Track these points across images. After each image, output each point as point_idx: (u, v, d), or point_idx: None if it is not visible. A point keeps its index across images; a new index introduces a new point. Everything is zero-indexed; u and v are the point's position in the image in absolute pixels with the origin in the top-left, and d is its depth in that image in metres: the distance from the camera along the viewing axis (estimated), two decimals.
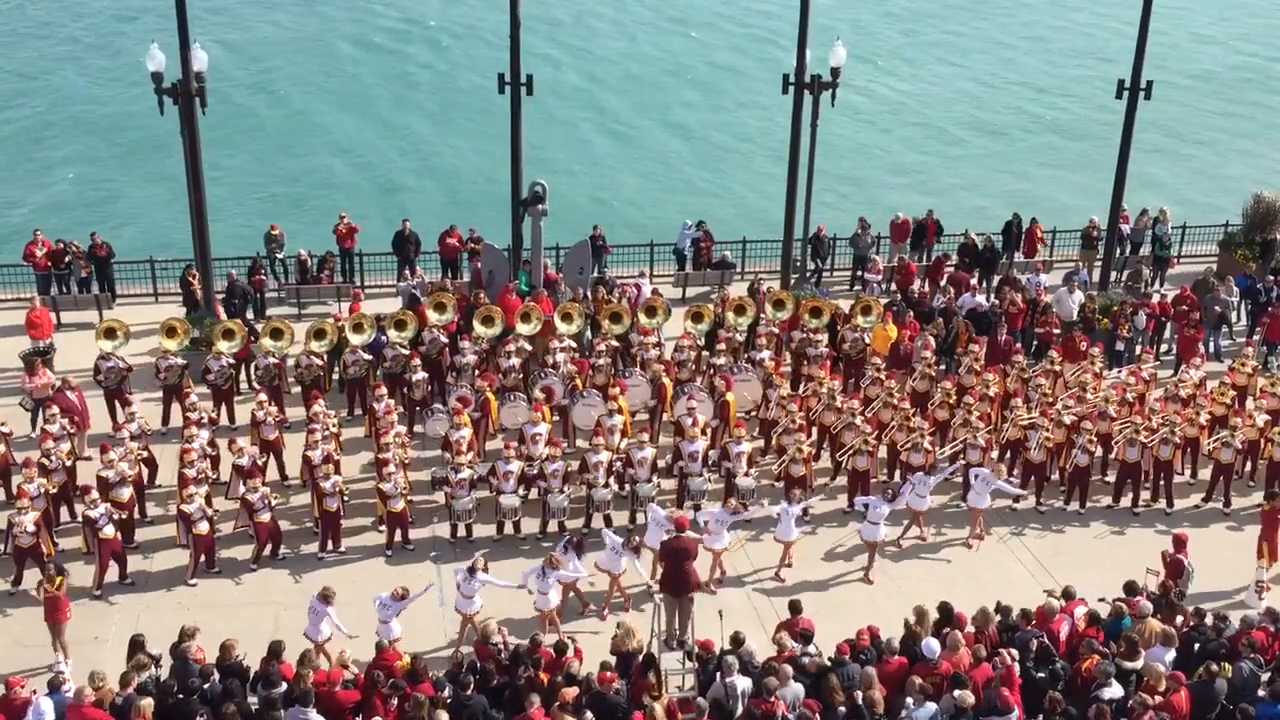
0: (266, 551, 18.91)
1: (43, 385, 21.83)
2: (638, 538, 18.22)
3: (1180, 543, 17.85)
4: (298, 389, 22.73)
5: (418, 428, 22.09)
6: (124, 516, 18.55)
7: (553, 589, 17.08)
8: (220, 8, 59.09)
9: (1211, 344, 26.42)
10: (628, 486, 20.02)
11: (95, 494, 18.04)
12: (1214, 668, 14.67)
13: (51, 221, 32.59)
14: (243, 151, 43.96)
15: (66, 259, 26.94)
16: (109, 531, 17.84)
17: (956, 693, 13.89)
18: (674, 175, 44.36)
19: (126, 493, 18.71)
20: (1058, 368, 23.25)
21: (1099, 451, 21.32)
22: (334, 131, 47.11)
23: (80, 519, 18.42)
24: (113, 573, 18.13)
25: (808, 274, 28.81)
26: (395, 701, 13.99)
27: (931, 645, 14.80)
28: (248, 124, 46.62)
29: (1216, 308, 26.57)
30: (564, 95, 49.58)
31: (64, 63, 52.42)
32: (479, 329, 23.55)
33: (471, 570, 16.95)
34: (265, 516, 18.64)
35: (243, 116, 47.01)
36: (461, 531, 19.62)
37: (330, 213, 31.00)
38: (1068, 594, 16.52)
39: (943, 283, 27.60)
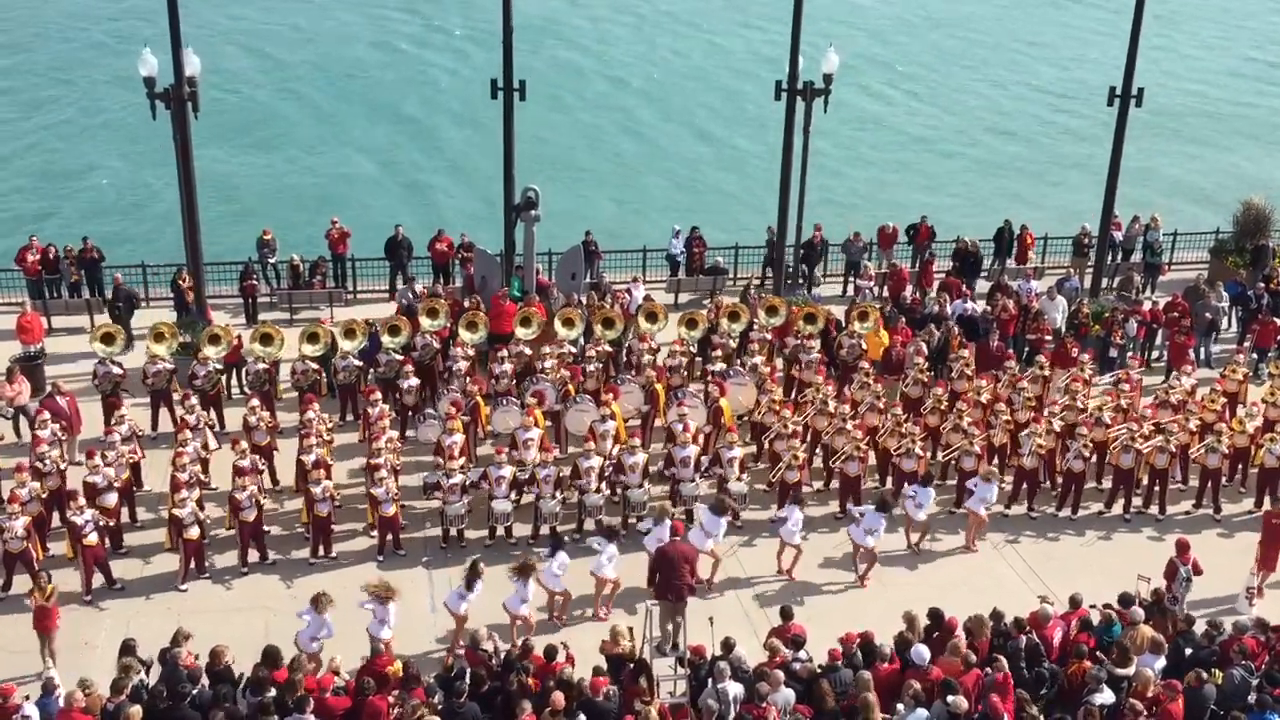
0: (255, 557, 18.86)
1: (15, 394, 21.75)
2: (623, 531, 18.16)
3: (1182, 548, 17.86)
4: (292, 394, 22.71)
5: (410, 433, 22.06)
6: (111, 523, 18.49)
7: (526, 599, 16.95)
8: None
9: (1202, 351, 26.48)
10: (619, 492, 20.03)
11: (82, 500, 17.97)
12: (1203, 674, 14.69)
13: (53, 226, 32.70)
14: (244, 153, 44.06)
15: (57, 266, 26.94)
16: (93, 538, 17.77)
17: (950, 699, 13.88)
18: (666, 180, 44.41)
19: (113, 499, 18.64)
20: (1045, 373, 23.30)
21: (1094, 458, 21.37)
22: (346, 134, 47.29)
23: (66, 524, 18.33)
24: (100, 578, 18.08)
25: (799, 280, 28.85)
26: (397, 711, 13.93)
27: (921, 652, 14.79)
28: (244, 125, 46.71)
29: (1207, 314, 26.64)
30: (556, 99, 49.59)
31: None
32: (463, 334, 23.54)
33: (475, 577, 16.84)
34: (250, 516, 18.59)
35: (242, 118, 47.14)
36: (453, 535, 19.58)
37: (324, 217, 30.99)
38: (1074, 601, 16.52)
39: (933, 290, 27.66)
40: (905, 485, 20.29)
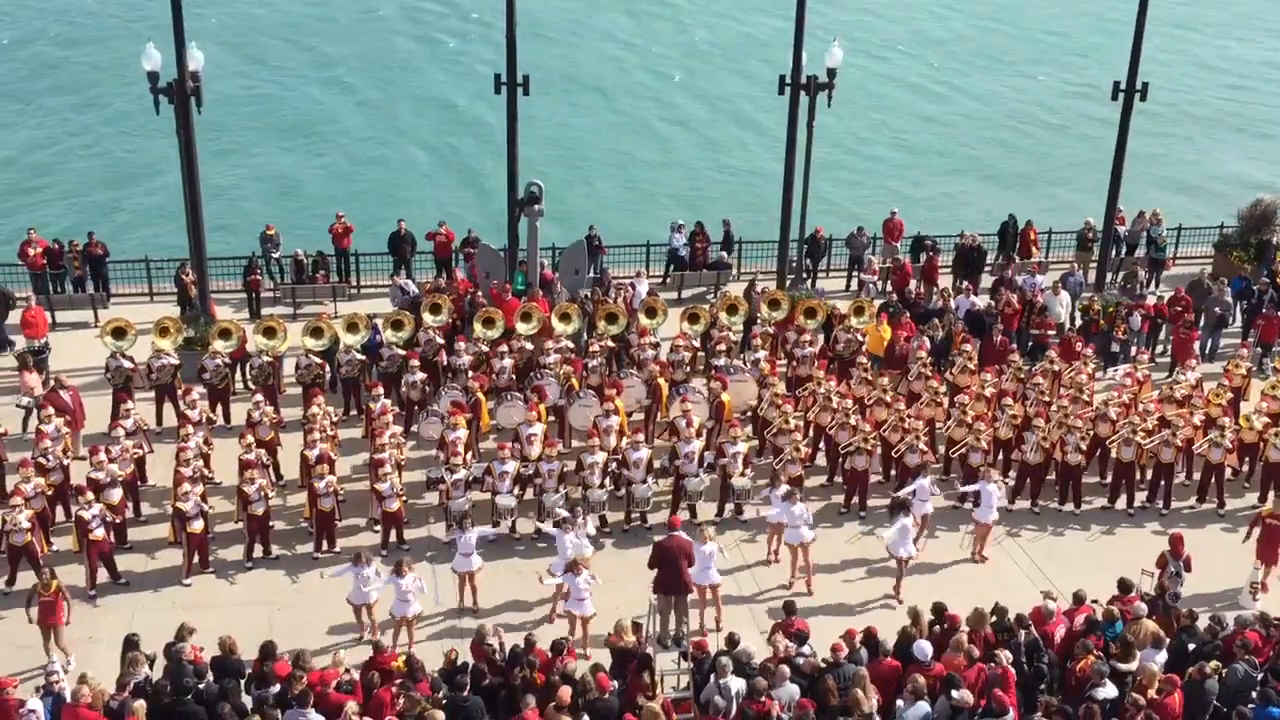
0: (259, 552, 18.91)
1: (28, 386, 21.81)
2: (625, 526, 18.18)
3: (1176, 542, 17.86)
4: (297, 389, 22.73)
5: (413, 428, 22.06)
6: (116, 520, 18.52)
7: (587, 595, 16.87)
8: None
9: (1208, 344, 26.45)
10: (623, 487, 20.04)
11: (90, 494, 18.01)
12: (1206, 668, 14.68)
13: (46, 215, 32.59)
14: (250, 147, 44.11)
15: (61, 260, 26.97)
16: (99, 533, 17.80)
17: (955, 693, 13.90)
18: (670, 175, 44.36)
19: (117, 494, 18.65)
20: (1056, 367, 23.30)
21: (1098, 451, 21.33)
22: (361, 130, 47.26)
23: (73, 519, 18.36)
24: (105, 573, 18.12)
25: (803, 275, 28.82)
26: (401, 701, 13.95)
27: (923, 647, 14.79)
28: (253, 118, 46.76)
29: (1216, 309, 26.58)
30: (559, 93, 49.53)
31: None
32: (479, 330, 23.54)
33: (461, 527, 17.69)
34: (259, 510, 18.63)
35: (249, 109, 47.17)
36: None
37: (328, 213, 30.99)
38: (1078, 598, 16.52)
39: (937, 285, 27.68)
40: (909, 480, 20.26)
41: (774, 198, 27.84)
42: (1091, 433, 21.27)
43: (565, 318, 23.90)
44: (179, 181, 24.35)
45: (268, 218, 31.07)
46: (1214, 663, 14.91)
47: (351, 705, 13.72)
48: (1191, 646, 15.60)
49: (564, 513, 18.57)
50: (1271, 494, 20.43)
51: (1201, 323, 26.37)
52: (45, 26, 56.38)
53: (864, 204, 37.93)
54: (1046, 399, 21.97)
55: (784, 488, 18.89)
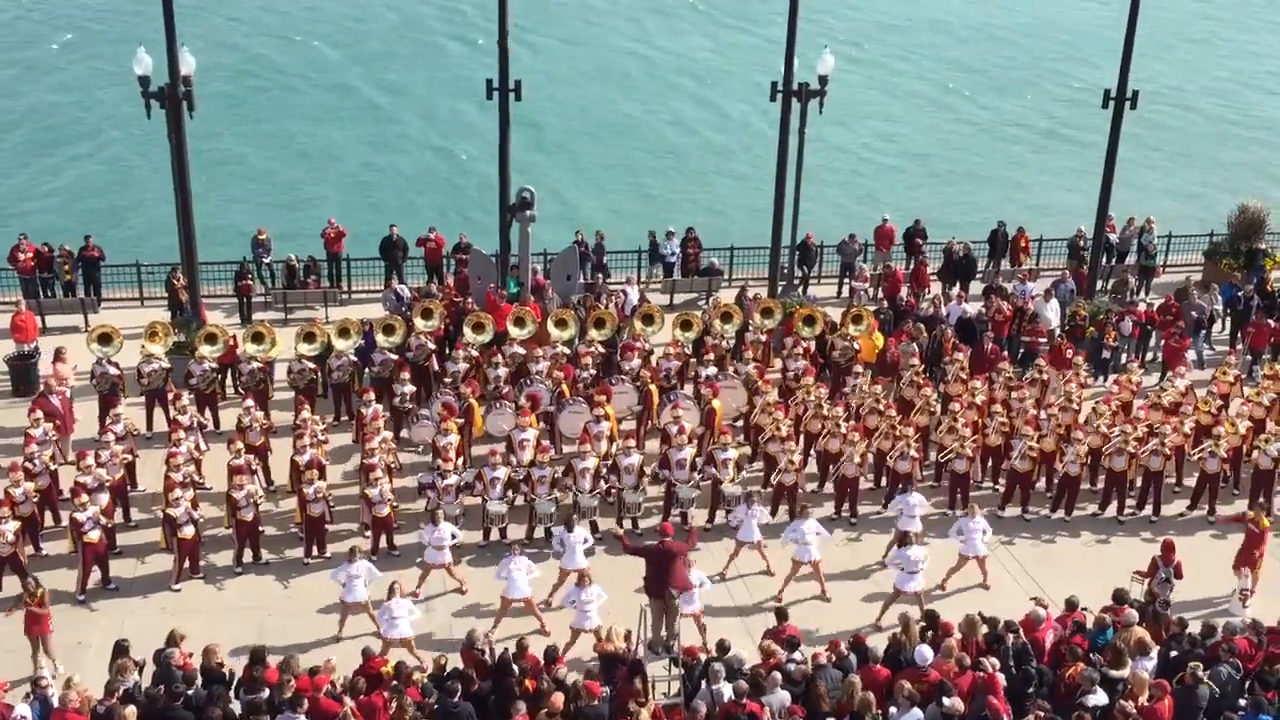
0: (249, 557, 18.85)
1: (61, 376, 21.79)
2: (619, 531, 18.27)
3: (1167, 549, 17.88)
4: (289, 394, 22.69)
5: (403, 433, 22.03)
6: (105, 523, 18.45)
7: (593, 606, 16.84)
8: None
9: (1193, 351, 26.52)
10: (613, 493, 20.02)
11: (85, 497, 17.92)
12: (1197, 673, 14.69)
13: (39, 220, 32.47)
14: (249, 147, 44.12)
15: (51, 264, 26.90)
16: (94, 535, 17.74)
17: (946, 700, 13.88)
18: (663, 180, 44.38)
19: (104, 499, 18.55)
20: (1044, 376, 23.33)
21: (1089, 460, 21.37)
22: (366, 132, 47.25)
23: (67, 521, 18.27)
24: (95, 577, 18.04)
25: (795, 281, 28.85)
26: (394, 705, 13.91)
27: (924, 652, 14.78)
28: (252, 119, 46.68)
29: (1193, 313, 26.68)
30: (551, 98, 49.51)
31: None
32: (469, 335, 23.52)
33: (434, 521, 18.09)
34: (249, 515, 18.58)
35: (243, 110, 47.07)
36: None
37: (320, 217, 30.91)
38: (1070, 604, 16.52)
39: (927, 291, 27.72)
40: (899, 487, 20.23)
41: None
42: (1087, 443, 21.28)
43: (562, 324, 23.89)
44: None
45: (259, 220, 30.92)
46: (1201, 668, 14.91)
47: (350, 703, 13.70)
48: (1174, 653, 15.59)
49: (558, 532, 18.58)
50: (1261, 500, 20.49)
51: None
52: (83, 28, 56.33)
53: (858, 210, 37.98)
54: (1031, 409, 21.98)
55: (758, 507, 18.95)
